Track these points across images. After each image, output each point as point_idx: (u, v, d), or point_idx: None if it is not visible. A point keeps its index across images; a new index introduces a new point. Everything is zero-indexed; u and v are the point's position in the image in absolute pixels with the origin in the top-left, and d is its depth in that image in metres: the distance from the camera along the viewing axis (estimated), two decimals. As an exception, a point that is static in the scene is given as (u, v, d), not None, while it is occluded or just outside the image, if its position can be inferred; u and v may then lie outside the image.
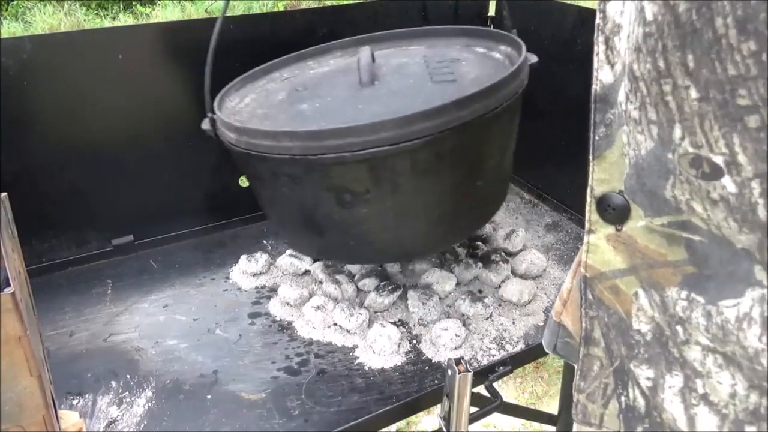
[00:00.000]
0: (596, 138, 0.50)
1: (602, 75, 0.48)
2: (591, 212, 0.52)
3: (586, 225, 0.52)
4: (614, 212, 0.50)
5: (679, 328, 0.48)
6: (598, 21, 0.47)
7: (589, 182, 0.51)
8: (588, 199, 0.51)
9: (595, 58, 0.48)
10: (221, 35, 0.85)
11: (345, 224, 0.84)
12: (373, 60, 0.96)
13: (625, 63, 0.45)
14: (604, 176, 0.50)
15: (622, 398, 0.55)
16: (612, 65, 0.47)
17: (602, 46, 0.47)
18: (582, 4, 1.21)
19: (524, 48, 0.91)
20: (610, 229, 0.51)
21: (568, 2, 1.18)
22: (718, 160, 0.40)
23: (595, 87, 0.49)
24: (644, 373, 0.52)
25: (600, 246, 0.52)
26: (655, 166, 0.45)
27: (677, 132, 0.42)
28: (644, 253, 0.49)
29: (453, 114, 0.76)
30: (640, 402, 0.53)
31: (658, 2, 0.40)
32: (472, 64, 0.94)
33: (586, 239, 0.53)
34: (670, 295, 0.48)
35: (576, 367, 0.58)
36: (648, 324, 0.50)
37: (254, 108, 0.95)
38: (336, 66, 1.04)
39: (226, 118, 0.87)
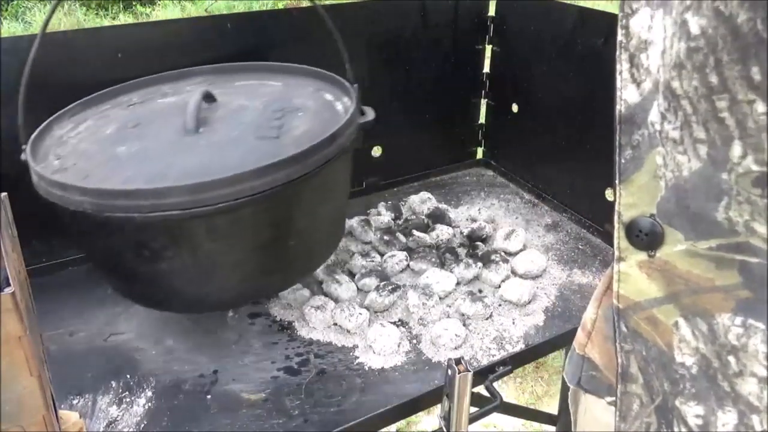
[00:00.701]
0: (622, 161, 0.47)
1: (627, 94, 0.45)
2: (620, 239, 0.49)
3: (615, 253, 0.50)
4: (646, 238, 0.47)
5: (731, 358, 0.45)
6: (620, 38, 0.44)
7: (616, 208, 0.48)
8: (615, 225, 0.49)
9: (618, 77, 0.45)
10: (216, 36, 0.83)
11: (147, 276, 0.81)
12: (215, 99, 0.94)
13: (659, 81, 0.43)
14: (633, 200, 0.47)
15: None
16: (638, 84, 0.44)
17: (626, 64, 0.44)
18: (582, 4, 1.21)
19: (353, 108, 0.89)
20: (642, 256, 0.48)
21: (568, 2, 1.18)
22: None
23: (619, 107, 0.46)
24: (693, 410, 0.49)
25: (632, 274, 0.49)
26: (703, 188, 0.42)
27: (736, 150, 0.40)
28: (686, 278, 0.46)
29: (248, 183, 0.73)
30: None
31: (707, 15, 0.38)
32: (307, 116, 0.91)
33: (615, 268, 0.50)
34: (720, 323, 0.45)
35: (614, 408, 0.55)
36: (692, 356, 0.47)
37: (80, 140, 0.90)
38: (184, 98, 0.97)
39: (35, 158, 0.83)
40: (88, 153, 0.85)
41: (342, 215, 0.97)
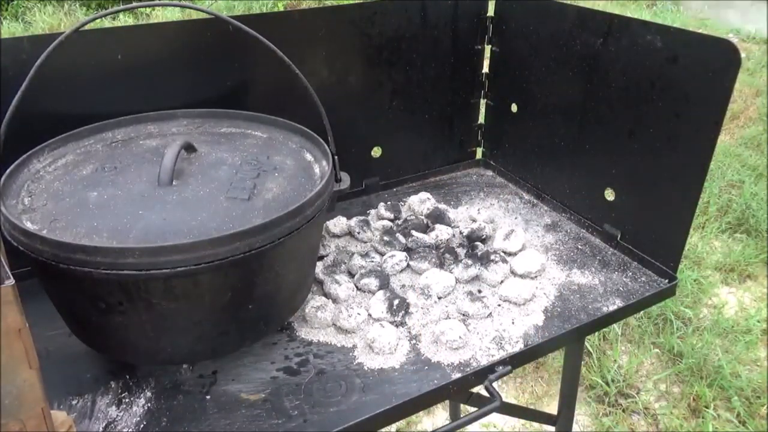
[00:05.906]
0: None
1: None
2: None
3: None
4: None
5: None
6: None
7: None
8: None
9: None
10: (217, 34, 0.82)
11: (103, 327, 0.82)
12: (195, 149, 0.94)
13: None
14: None
15: None
16: None
17: None
18: (582, 4, 1.21)
19: (328, 176, 0.88)
20: None
21: (567, 2, 1.18)
22: None
23: None
24: None
25: None
26: None
27: None
28: None
29: (207, 250, 0.73)
30: None
31: None
32: (283, 178, 0.91)
33: None
34: None
35: None
36: None
37: (56, 178, 0.90)
38: (166, 143, 0.97)
39: (7, 191, 0.84)
40: (59, 194, 0.85)
41: (308, 274, 0.98)
